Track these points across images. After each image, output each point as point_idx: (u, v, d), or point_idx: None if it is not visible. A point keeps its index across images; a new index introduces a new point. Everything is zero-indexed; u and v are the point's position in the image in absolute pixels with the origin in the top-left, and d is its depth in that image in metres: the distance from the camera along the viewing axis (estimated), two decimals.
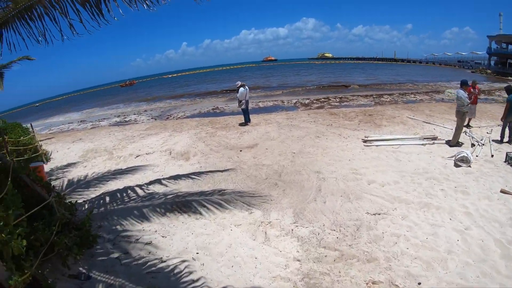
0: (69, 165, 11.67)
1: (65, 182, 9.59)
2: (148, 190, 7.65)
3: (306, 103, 22.98)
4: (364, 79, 39.64)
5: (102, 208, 6.87)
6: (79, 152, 13.72)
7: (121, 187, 8.04)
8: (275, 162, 8.84)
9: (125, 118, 25.78)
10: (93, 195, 7.77)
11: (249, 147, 10.74)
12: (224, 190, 7.09)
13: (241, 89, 13.99)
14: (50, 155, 13.47)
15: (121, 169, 10.20)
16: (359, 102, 21.48)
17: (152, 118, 23.27)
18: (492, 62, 43.31)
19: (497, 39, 41.10)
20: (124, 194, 7.55)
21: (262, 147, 10.59)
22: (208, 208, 6.32)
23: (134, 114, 27.75)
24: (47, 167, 11.60)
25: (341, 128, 12.50)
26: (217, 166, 9.02)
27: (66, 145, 16.03)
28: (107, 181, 9.18)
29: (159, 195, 7.25)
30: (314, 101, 23.31)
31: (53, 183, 9.40)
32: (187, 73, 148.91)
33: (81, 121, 29.83)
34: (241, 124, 14.73)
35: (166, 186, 7.82)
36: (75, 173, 10.49)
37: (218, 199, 6.58)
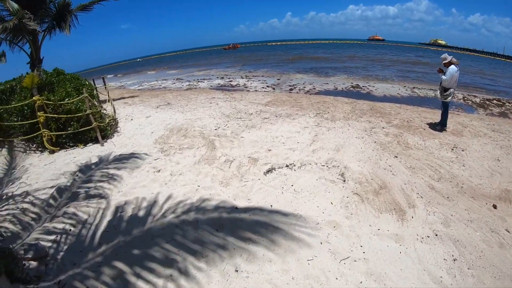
0: (130, 158, 6.42)
1: (104, 222, 4.02)
2: None
3: (478, 102, 13.71)
4: None
5: None
6: (159, 129, 8.48)
7: None
8: None
9: (230, 81, 20.30)
10: None
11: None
12: None
13: (452, 68, 7.94)
14: (115, 127, 8.26)
15: (238, 208, 4.43)
16: None
17: (268, 87, 17.05)
18: None
19: None
20: None
21: None
22: None
23: (242, 77, 22.14)
24: (99, 151, 7.20)
25: None
26: None
27: (147, 110, 11.13)
28: (207, 254, 3.07)
29: None
30: (493, 102, 13.83)
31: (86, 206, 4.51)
32: (293, 42, 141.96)
33: (177, 78, 26.00)
34: (432, 126, 8.72)
35: None
36: (130, 191, 5.15)
37: None
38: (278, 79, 20.63)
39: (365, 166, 5.78)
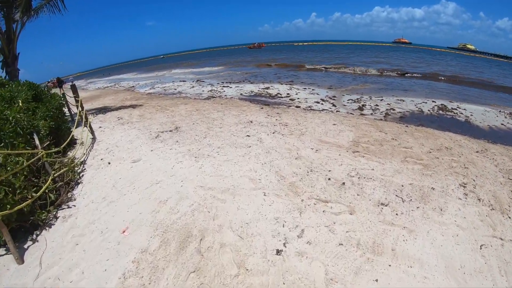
0: None
1: None
2: None
3: None
4: None
5: None
6: (142, 220, 4.01)
7: None
8: None
9: (267, 88, 15.31)
10: None
11: None
12: None
13: None
14: (72, 186, 4.41)
15: None
16: None
17: (324, 102, 12.11)
18: None
19: None
20: None
21: None
22: None
23: (281, 83, 17.07)
24: None
25: None
26: None
27: (139, 143, 7.21)
28: None
29: None
30: None
31: None
32: (320, 43, 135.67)
33: (197, 80, 21.53)
34: None
35: None
36: None
37: None
38: (330, 88, 15.36)
39: None
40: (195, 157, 5.79)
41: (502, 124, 9.81)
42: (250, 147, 6.16)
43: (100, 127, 9.08)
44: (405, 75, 21.47)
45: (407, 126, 8.37)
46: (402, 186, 4.64)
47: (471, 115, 10.70)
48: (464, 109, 11.55)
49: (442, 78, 20.54)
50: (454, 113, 10.86)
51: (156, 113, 10.43)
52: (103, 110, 12.18)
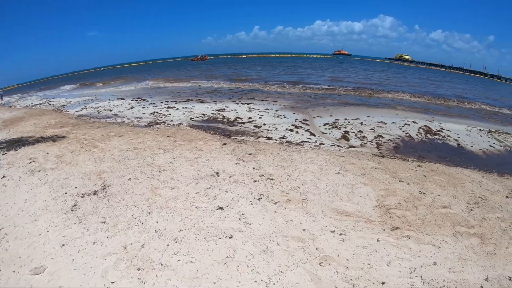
0: None
1: None
2: None
3: None
4: None
5: None
6: None
7: None
8: None
9: (222, 110, 13.09)
10: None
11: None
12: None
13: None
14: None
15: None
16: None
17: (295, 127, 9.83)
18: None
19: None
20: None
21: None
22: None
23: (235, 102, 15.02)
24: None
25: None
26: None
27: (47, 219, 3.79)
28: None
29: None
30: None
31: None
32: (263, 55, 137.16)
33: (137, 98, 18.42)
34: None
35: None
36: None
37: None
38: (294, 108, 13.50)
39: None
40: (138, 270, 3.17)
41: (490, 146, 9.11)
42: (231, 238, 3.69)
43: (4, 176, 6.04)
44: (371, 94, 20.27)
45: (418, 165, 6.57)
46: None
47: (458, 137, 9.88)
48: (449, 130, 10.75)
49: (404, 94, 19.88)
50: (442, 136, 9.96)
51: (80, 153, 7.47)
52: (17, 143, 8.96)
